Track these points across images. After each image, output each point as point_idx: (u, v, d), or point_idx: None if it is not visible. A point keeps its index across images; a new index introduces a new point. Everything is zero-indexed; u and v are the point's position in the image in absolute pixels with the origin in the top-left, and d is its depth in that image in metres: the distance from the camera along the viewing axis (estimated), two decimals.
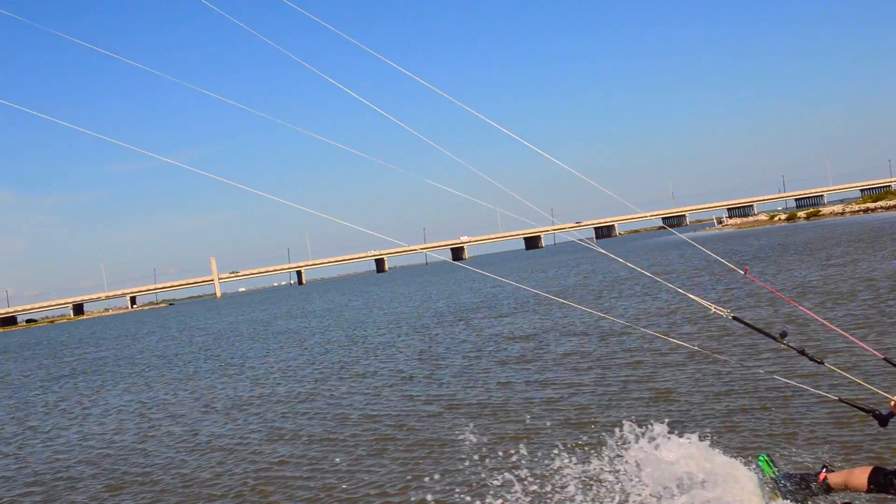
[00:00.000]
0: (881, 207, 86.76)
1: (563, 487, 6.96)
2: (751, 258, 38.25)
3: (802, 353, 5.83)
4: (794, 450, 6.96)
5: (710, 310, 6.52)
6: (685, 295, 7.29)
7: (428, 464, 9.10)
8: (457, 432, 10.04)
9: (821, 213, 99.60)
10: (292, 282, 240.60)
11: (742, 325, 6.16)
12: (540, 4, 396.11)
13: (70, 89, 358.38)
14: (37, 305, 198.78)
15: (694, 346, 10.83)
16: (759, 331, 6.28)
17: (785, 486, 5.72)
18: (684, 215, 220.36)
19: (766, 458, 6.19)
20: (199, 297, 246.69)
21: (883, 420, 5.29)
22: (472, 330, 23.57)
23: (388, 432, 11.06)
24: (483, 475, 7.97)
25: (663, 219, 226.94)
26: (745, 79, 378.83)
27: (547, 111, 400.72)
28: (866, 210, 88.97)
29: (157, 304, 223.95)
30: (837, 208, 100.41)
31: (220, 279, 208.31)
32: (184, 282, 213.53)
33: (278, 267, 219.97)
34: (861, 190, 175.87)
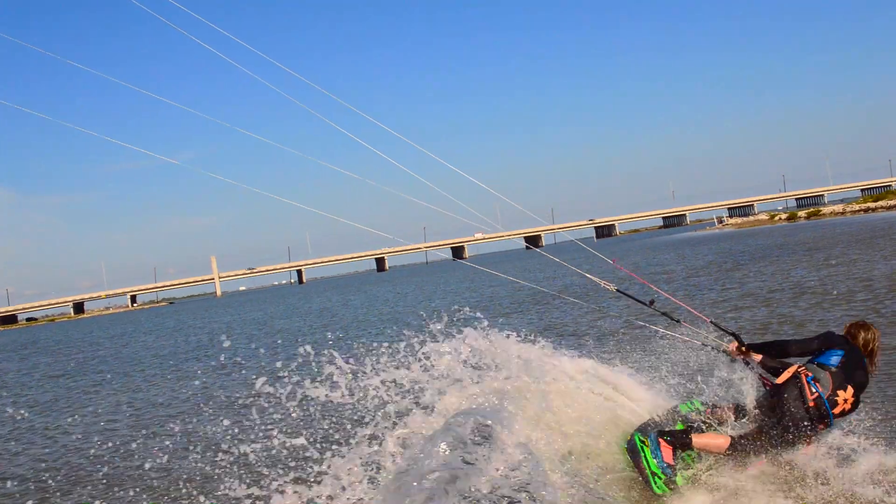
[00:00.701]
0: (882, 207, 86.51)
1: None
2: (750, 258, 38.05)
3: (664, 314, 8.02)
4: (662, 373, 8.40)
5: (600, 284, 8.23)
6: (583, 274, 9.06)
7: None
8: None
9: (821, 212, 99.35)
10: (293, 280, 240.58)
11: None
12: (540, 2, 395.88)
13: (73, 87, 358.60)
14: (37, 304, 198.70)
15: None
16: (636, 299, 8.33)
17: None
18: (684, 215, 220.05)
19: (691, 405, 7.54)
20: (199, 295, 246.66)
21: (737, 339, 7.34)
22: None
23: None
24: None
25: (664, 218, 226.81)
26: (746, 78, 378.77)
27: (548, 110, 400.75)
28: (867, 210, 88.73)
29: (157, 302, 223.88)
30: (838, 208, 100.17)
31: (221, 277, 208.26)
32: (184, 280, 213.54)
33: (279, 266, 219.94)
34: (862, 189, 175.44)
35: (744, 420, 7.02)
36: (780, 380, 6.67)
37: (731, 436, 6.86)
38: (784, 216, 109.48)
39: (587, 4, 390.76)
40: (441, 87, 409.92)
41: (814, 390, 6.46)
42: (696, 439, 6.93)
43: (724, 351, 7.38)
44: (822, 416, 6.47)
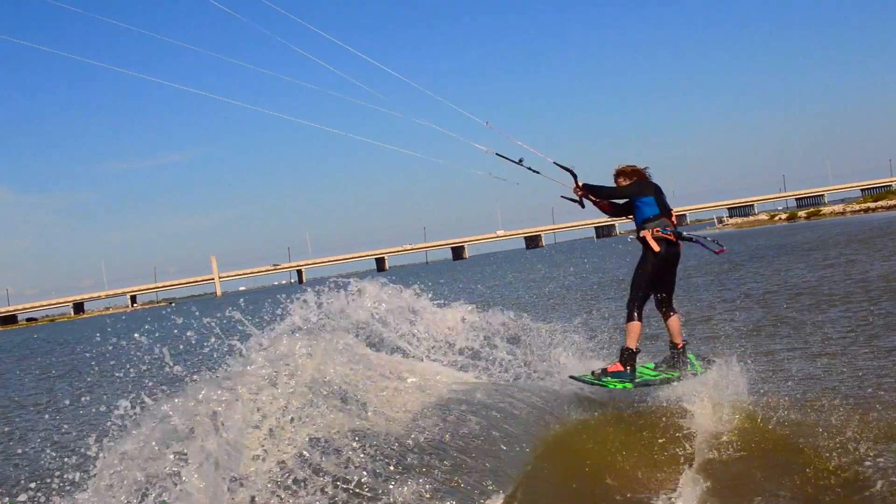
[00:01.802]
0: (882, 207, 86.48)
1: None
2: (748, 258, 37.99)
3: (530, 168, 9.53)
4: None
5: (478, 147, 9.78)
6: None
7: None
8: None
9: (821, 212, 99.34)
10: (293, 280, 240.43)
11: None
12: (541, 3, 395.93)
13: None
14: (37, 304, 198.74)
15: None
16: (509, 159, 9.56)
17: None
18: (684, 214, 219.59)
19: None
20: (199, 295, 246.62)
21: (573, 175, 9.12)
22: None
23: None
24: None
25: None
26: (746, 77, 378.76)
27: (548, 109, 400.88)
28: (867, 210, 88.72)
29: (157, 302, 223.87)
30: (838, 208, 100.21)
31: (221, 278, 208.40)
32: (184, 280, 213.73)
33: (279, 266, 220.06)
34: (862, 189, 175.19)
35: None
36: (655, 249, 8.60)
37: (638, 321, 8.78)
38: (784, 216, 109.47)
39: (588, 3, 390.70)
40: (436, 81, 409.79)
41: (667, 232, 8.68)
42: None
43: (568, 198, 9.22)
44: (684, 238, 9.00)
